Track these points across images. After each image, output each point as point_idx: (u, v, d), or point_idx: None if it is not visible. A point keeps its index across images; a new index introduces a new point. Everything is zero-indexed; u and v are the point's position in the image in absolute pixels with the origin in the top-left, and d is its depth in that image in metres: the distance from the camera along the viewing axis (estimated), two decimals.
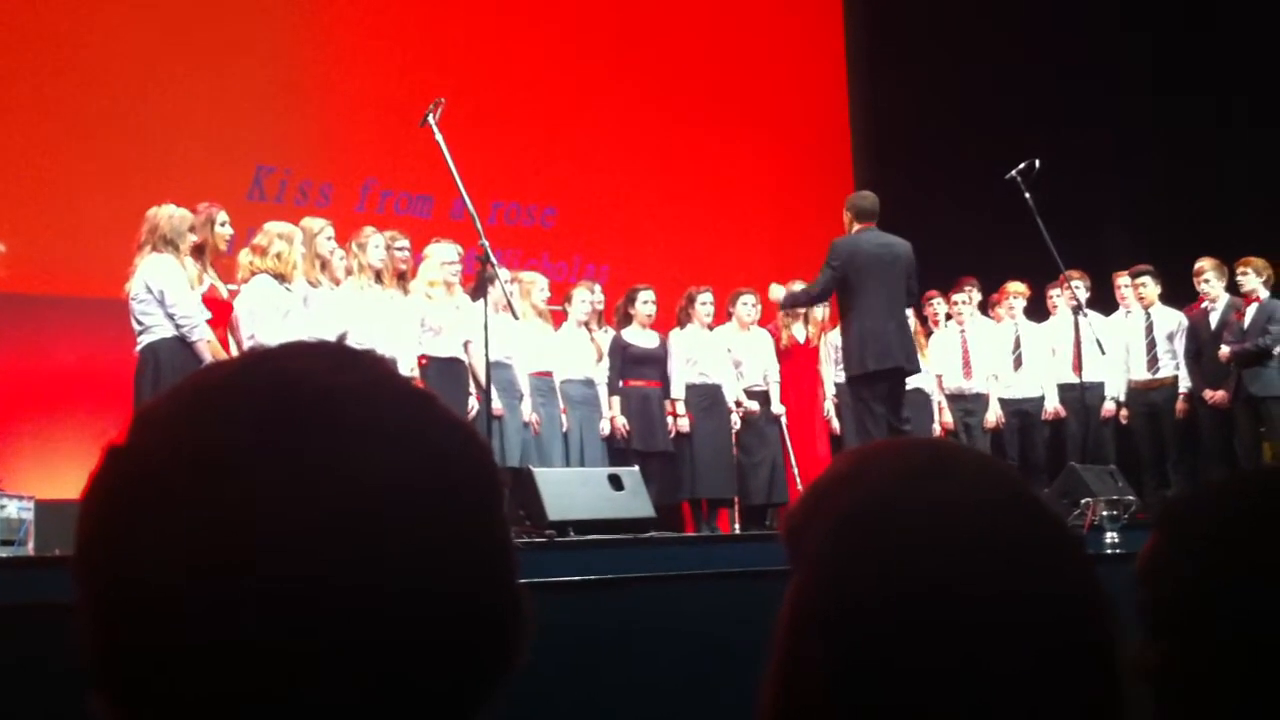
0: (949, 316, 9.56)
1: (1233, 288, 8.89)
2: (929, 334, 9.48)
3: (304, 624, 0.70)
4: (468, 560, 0.76)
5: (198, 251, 6.70)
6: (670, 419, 8.63)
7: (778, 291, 8.26)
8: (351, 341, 6.81)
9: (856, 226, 7.44)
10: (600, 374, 8.51)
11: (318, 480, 0.72)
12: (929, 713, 0.86)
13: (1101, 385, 9.21)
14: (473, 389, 7.49)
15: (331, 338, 6.90)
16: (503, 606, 0.78)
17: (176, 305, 6.41)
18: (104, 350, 7.62)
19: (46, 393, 8.17)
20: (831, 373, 9.17)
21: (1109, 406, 9.29)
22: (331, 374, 0.77)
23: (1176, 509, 1.21)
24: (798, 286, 8.20)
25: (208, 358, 6.33)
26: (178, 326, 6.41)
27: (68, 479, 6.63)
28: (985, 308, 9.76)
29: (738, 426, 8.81)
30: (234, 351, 6.57)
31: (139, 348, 6.45)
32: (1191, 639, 1.10)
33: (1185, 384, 9.04)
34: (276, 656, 0.70)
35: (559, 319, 8.57)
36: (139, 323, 6.45)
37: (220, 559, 0.70)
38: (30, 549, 5.21)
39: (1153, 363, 9.19)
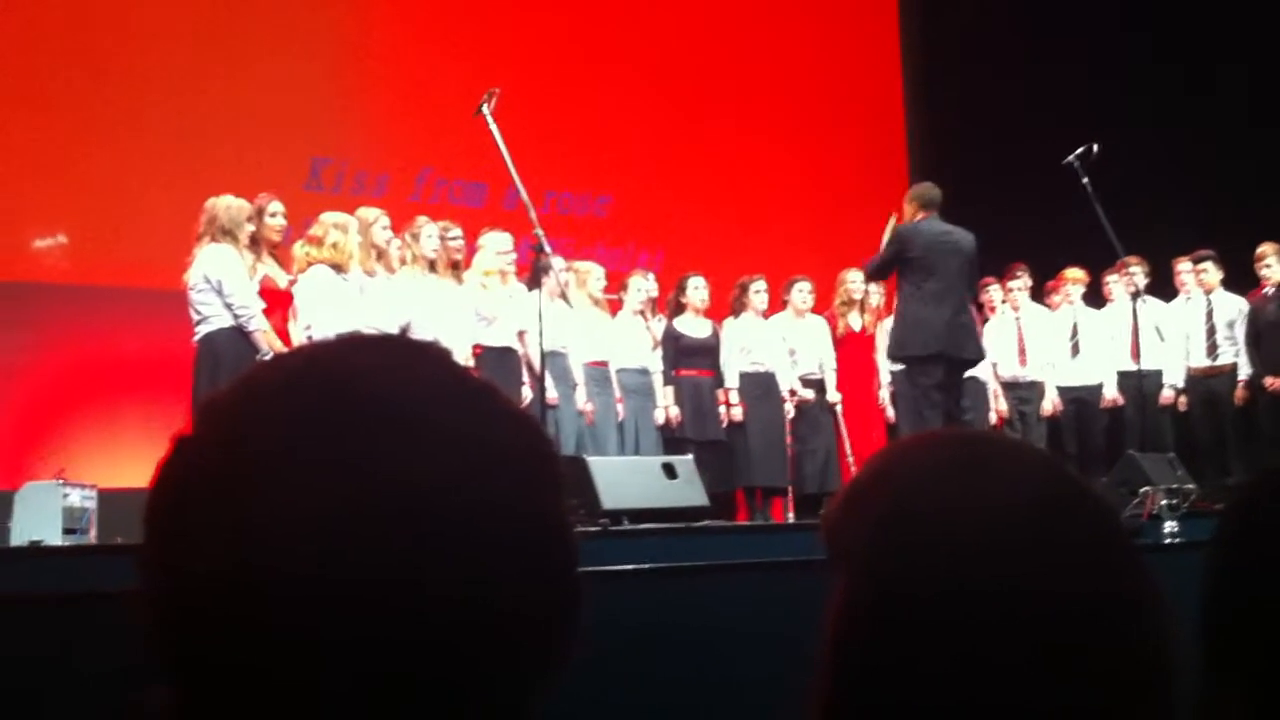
0: (1004, 303, 9.48)
1: None
2: (984, 321, 9.40)
3: (366, 621, 0.71)
4: (527, 558, 0.77)
5: (253, 242, 6.75)
6: (723, 408, 8.62)
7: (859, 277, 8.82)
8: (412, 332, 6.86)
9: (919, 216, 7.45)
10: (655, 362, 8.51)
11: (377, 481, 0.73)
12: (966, 712, 0.85)
13: (1160, 372, 9.10)
14: (526, 378, 7.51)
15: (388, 327, 6.94)
16: (561, 601, 0.79)
17: (234, 295, 6.46)
18: (164, 340, 7.68)
19: (108, 383, 8.27)
20: (887, 361, 9.13)
21: (1167, 394, 9.18)
22: (392, 371, 0.78)
23: (1257, 491, 1.19)
24: None
25: (264, 348, 6.38)
26: (235, 316, 6.45)
27: (130, 468, 6.71)
28: (1041, 294, 9.68)
29: (791, 415, 8.79)
30: (293, 342, 6.62)
31: (197, 338, 6.50)
32: (1268, 631, 1.09)
33: (1245, 370, 8.93)
34: (338, 652, 0.71)
35: (614, 308, 8.58)
36: (197, 313, 6.50)
37: (281, 557, 0.71)
38: (93, 537, 5.28)
39: (1212, 349, 9.08)
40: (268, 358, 0.84)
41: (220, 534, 0.72)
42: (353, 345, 0.81)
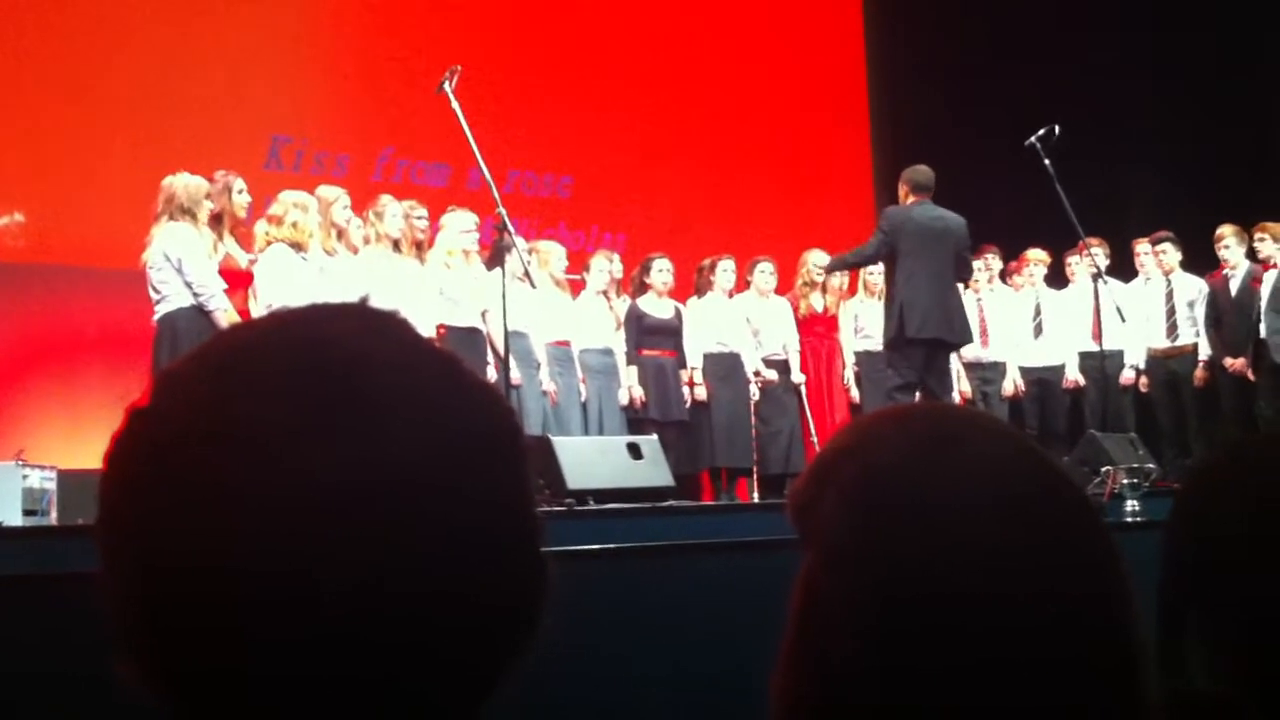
0: (966, 285, 9.52)
1: (1253, 254, 8.85)
2: None
3: (332, 596, 0.69)
4: (498, 527, 0.75)
5: (215, 220, 6.70)
6: (687, 388, 8.63)
7: (821, 258, 8.76)
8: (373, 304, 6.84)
9: (911, 199, 7.54)
10: (619, 343, 8.51)
11: (350, 458, 0.70)
12: (944, 705, 0.83)
13: (1121, 353, 9.17)
14: (491, 358, 7.50)
15: None
16: (530, 572, 0.77)
17: (194, 274, 6.41)
18: (124, 320, 7.63)
19: (67, 364, 8.20)
20: (851, 341, 9.16)
21: (1128, 374, 9.25)
22: (360, 338, 0.76)
23: (1211, 468, 1.20)
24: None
25: (225, 327, 6.33)
26: (195, 295, 6.41)
27: (90, 449, 6.66)
28: (1004, 276, 9.73)
29: (756, 396, 8.80)
30: None
31: (156, 317, 6.46)
32: (1227, 599, 1.09)
33: (1205, 352, 9.00)
34: (303, 630, 0.69)
35: (577, 288, 8.57)
36: (156, 292, 6.46)
37: (247, 532, 0.69)
38: (53, 518, 5.24)
39: (1172, 330, 9.15)
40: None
41: (181, 512, 0.70)
42: (317, 314, 0.78)
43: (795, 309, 9.14)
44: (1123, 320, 8.41)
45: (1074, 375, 9.35)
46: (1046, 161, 7.84)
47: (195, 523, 0.70)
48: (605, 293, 8.60)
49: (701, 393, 8.62)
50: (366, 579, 0.70)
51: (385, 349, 0.76)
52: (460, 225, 7.60)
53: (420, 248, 7.57)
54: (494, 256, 7.26)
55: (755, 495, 8.76)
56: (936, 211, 7.50)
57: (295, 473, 0.70)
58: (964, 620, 0.84)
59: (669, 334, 8.64)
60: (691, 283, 9.02)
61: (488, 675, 0.76)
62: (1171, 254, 9.19)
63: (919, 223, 7.40)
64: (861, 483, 0.89)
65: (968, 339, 7.80)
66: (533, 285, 7.24)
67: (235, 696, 0.70)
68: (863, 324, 9.10)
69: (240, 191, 6.85)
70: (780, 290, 9.19)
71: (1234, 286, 8.87)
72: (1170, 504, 1.21)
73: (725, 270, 8.86)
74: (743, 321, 8.86)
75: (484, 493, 0.75)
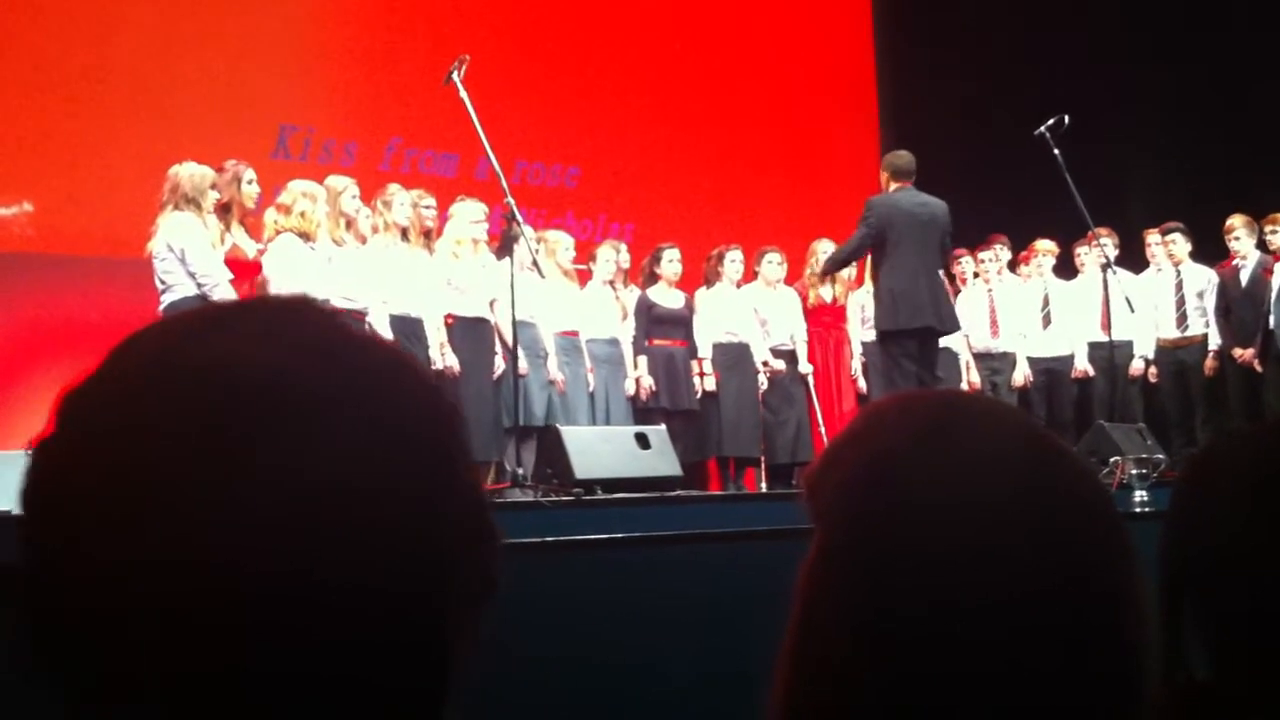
0: (976, 275, 9.51)
1: (1264, 245, 8.84)
2: (956, 293, 9.42)
3: (262, 633, 0.67)
4: (433, 518, 0.72)
5: (223, 210, 6.71)
6: (697, 378, 8.63)
7: (829, 247, 8.68)
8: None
9: (893, 185, 7.45)
10: (625, 333, 8.50)
11: (270, 467, 0.68)
12: (941, 707, 0.82)
13: (1130, 344, 9.15)
14: (498, 348, 7.50)
15: (357, 296, 6.92)
16: (474, 578, 0.75)
17: (197, 264, 6.42)
18: (131, 310, 7.62)
19: (75, 353, 8.18)
20: (859, 331, 9.14)
21: (1137, 365, 9.23)
22: (255, 350, 0.72)
23: (1210, 457, 1.19)
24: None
25: None
26: (199, 285, 6.42)
27: None
28: (1013, 266, 9.72)
29: (764, 386, 8.80)
30: None
31: (162, 306, 6.46)
32: (1226, 589, 1.09)
33: (1214, 342, 8.99)
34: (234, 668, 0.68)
35: (584, 278, 8.56)
36: (161, 282, 6.47)
37: (171, 577, 0.67)
38: None
39: (1181, 320, 9.14)
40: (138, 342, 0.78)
41: (103, 559, 0.69)
42: (208, 322, 0.75)
43: (804, 299, 9.13)
44: (1131, 310, 8.39)
45: (1082, 365, 9.34)
46: (1056, 151, 7.82)
47: (122, 565, 0.68)
48: (611, 283, 8.59)
49: (711, 383, 8.61)
50: (283, 606, 0.67)
51: (289, 356, 0.72)
52: (469, 215, 7.59)
53: (428, 237, 7.57)
54: (502, 246, 7.26)
55: (763, 485, 8.77)
56: (921, 198, 7.39)
57: (217, 494, 0.67)
58: (961, 619, 0.82)
59: (679, 324, 8.63)
60: (699, 273, 9.01)
61: (428, 676, 0.73)
62: (1181, 244, 9.18)
63: (906, 210, 7.29)
64: (859, 469, 0.89)
65: (955, 327, 7.75)
66: (541, 275, 7.24)
67: (227, 697, 0.69)
68: (870, 314, 9.07)
69: (250, 182, 6.85)
70: (789, 280, 9.18)
71: (1244, 277, 8.86)
72: (1170, 494, 1.20)
73: (733, 260, 8.85)
74: (751, 311, 8.85)
75: (415, 497, 0.72)
